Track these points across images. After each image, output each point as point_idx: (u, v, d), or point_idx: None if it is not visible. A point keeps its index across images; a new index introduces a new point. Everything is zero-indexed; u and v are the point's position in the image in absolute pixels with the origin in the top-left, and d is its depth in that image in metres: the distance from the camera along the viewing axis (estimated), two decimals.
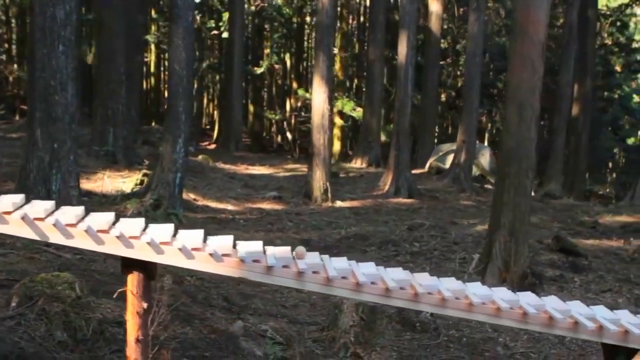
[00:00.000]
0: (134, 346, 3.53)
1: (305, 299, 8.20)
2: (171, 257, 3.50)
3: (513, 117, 8.84)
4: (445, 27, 26.75)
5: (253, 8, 28.25)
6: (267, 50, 37.07)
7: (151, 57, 38.32)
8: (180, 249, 3.49)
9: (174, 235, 3.61)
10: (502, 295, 3.81)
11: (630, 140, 38.18)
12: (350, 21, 34.13)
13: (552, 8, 25.48)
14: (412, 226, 12.78)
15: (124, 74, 14.06)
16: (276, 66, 30.16)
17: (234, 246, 3.71)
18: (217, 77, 35.19)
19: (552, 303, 3.84)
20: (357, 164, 22.08)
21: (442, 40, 25.59)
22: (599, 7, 28.03)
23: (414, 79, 15.98)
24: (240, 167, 19.49)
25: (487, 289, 3.93)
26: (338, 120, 29.97)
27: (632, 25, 33.91)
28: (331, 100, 14.33)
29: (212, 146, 26.46)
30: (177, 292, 7.05)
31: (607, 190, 36.33)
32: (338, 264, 3.82)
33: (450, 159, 18.86)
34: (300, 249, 3.89)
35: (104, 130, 14.02)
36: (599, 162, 35.86)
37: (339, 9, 32.64)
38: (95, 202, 10.98)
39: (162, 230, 3.59)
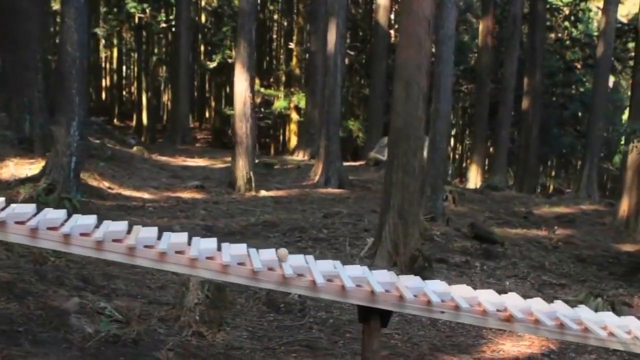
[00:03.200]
0: None
1: (176, 281, 7.93)
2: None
3: (400, 96, 8.65)
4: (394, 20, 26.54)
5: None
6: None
7: (113, 54, 37.95)
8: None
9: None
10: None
11: None
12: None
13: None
14: (329, 214, 12.58)
15: (40, 61, 13.72)
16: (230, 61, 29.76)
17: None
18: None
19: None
20: (299, 156, 21.84)
21: (392, 33, 25.42)
22: (553, 0, 28.06)
23: (344, 68, 15.76)
24: (177, 159, 19.21)
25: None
26: (295, 116, 29.78)
27: (593, 21, 34.02)
28: (253, 88, 14.09)
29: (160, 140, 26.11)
30: (25, 270, 6.80)
31: (571, 186, 36.39)
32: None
33: None
34: (283, 250, 3.79)
35: (20, 118, 13.68)
36: (560, 158, 35.94)
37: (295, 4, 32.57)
38: None
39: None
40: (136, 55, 32.66)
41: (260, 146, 35.29)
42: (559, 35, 29.22)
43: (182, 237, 3.79)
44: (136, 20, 26.40)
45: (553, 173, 38.63)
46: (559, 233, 14.54)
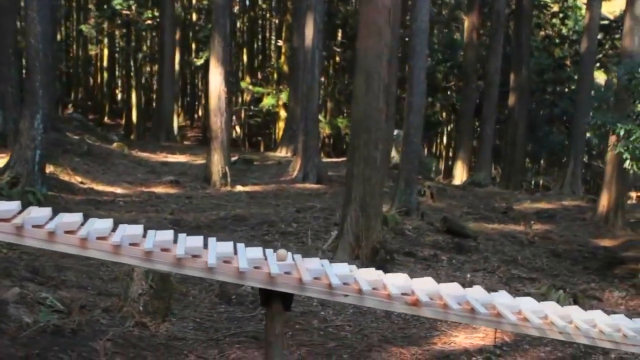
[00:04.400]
0: None
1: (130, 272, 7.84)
2: None
3: (361, 87, 8.56)
4: None
5: None
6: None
7: (104, 52, 37.79)
8: None
9: None
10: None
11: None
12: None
13: None
14: (302, 209, 12.50)
15: (13, 55, 13.62)
16: None
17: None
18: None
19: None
20: (282, 152, 21.73)
21: None
22: None
23: (322, 64, 15.67)
24: (159, 155, 19.11)
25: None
26: (283, 113, 29.66)
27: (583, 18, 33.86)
28: (228, 82, 13.98)
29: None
30: None
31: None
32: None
33: None
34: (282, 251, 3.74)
35: None
36: (551, 156, 35.81)
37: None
38: None
39: None
40: (124, 53, 32.51)
41: (251, 144, 35.29)
42: (548, 32, 29.12)
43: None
44: (122, 17, 26.30)
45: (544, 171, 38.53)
46: (536, 228, 14.46)
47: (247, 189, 14.49)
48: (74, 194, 11.87)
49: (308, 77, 15.35)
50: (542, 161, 37.18)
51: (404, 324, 7.08)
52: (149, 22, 25.38)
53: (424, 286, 3.51)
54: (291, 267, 3.35)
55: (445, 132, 33.40)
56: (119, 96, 41.56)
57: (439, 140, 34.45)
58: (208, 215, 11.62)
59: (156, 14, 25.29)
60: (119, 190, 13.09)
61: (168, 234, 3.69)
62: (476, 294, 3.63)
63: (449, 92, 28.99)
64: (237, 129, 35.92)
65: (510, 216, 15.62)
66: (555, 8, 28.32)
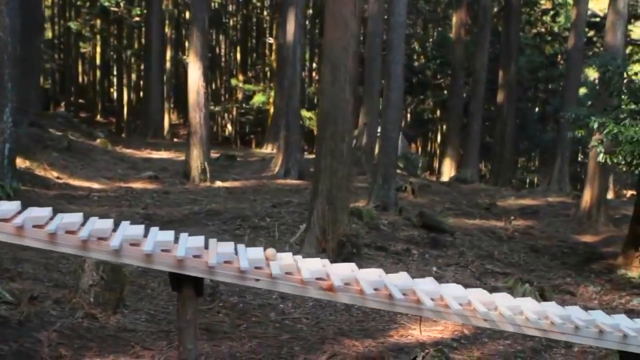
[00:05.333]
0: None
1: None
2: None
3: (327, 78, 8.51)
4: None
5: None
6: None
7: (96, 49, 37.66)
8: None
9: None
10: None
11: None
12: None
13: None
14: (279, 204, 12.43)
15: None
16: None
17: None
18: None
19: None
20: (268, 149, 21.66)
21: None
22: None
23: (303, 58, 15.58)
24: (143, 152, 19.03)
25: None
26: (273, 110, 29.57)
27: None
28: (207, 76, 13.89)
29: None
30: None
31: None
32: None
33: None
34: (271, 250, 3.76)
35: None
36: (543, 153, 35.75)
37: None
38: None
39: None
40: (116, 51, 32.39)
41: (243, 142, 35.16)
42: (539, 29, 29.02)
43: (108, 223, 3.66)
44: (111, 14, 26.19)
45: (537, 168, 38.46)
46: (517, 224, 14.40)
47: (227, 184, 14.42)
48: (49, 189, 11.81)
49: (289, 72, 15.28)
50: (536, 159, 37.16)
51: (363, 317, 7.02)
52: (137, 19, 25.28)
53: (340, 271, 3.44)
54: (201, 250, 3.28)
55: (439, 130, 33.29)
56: (115, 95, 41.50)
57: (433, 138, 34.36)
58: (182, 210, 11.55)
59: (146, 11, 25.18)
60: (95, 186, 13.02)
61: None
62: (398, 280, 3.56)
63: (440, 90, 28.88)
64: (229, 127, 35.90)
65: (493, 212, 15.55)
66: (546, 5, 28.22)
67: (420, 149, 34.49)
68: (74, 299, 6.06)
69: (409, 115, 34.25)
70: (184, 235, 3.77)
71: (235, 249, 3.66)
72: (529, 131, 30.39)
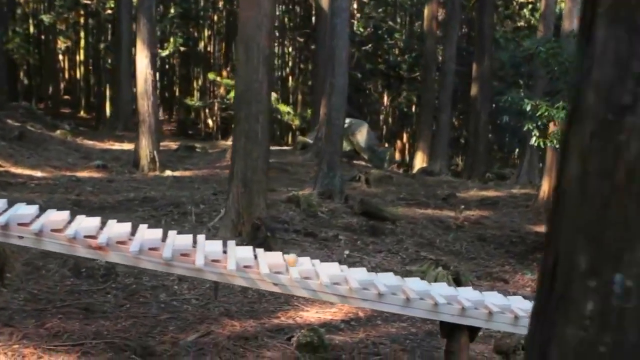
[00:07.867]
0: None
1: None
2: None
3: (241, 58, 8.36)
4: None
5: None
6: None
7: (79, 45, 37.54)
8: None
9: None
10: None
11: None
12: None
13: None
14: (221, 192, 12.25)
15: None
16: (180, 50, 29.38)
17: None
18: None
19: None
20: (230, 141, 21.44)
21: None
22: None
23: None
24: (105, 143, 18.90)
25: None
26: None
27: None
28: (155, 65, 13.75)
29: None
30: None
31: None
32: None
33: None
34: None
35: None
36: (523, 147, 35.52)
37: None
38: None
39: None
40: (92, 45, 32.28)
41: (224, 137, 35.00)
42: (520, 24, 28.81)
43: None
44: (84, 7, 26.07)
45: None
46: (472, 214, 14.22)
47: (177, 173, 14.28)
48: None
49: None
50: (516, 152, 36.98)
51: (257, 299, 6.86)
52: (110, 11, 25.14)
53: (119, 229, 3.30)
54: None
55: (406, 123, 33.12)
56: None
57: (411, 132, 34.16)
58: (118, 197, 11.40)
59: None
60: (38, 174, 12.88)
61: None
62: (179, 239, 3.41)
63: (417, 83, 28.70)
64: (210, 122, 35.76)
65: (450, 203, 15.34)
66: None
67: (407, 144, 34.36)
68: None
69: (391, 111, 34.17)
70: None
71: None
72: (509, 125, 30.17)
